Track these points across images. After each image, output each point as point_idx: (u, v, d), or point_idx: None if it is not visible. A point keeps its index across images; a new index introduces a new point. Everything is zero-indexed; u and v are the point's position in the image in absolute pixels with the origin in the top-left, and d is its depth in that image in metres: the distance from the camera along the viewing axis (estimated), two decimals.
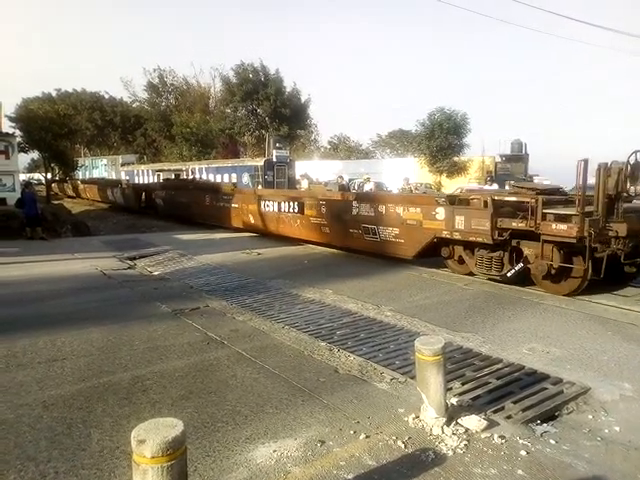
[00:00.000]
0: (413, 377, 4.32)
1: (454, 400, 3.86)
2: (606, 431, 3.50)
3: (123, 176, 47.96)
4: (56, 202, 25.11)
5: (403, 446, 3.18)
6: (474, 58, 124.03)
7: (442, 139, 34.22)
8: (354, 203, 10.35)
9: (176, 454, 1.92)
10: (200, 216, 17.43)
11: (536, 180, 32.52)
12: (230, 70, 46.54)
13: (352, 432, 3.35)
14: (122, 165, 51.63)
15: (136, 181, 42.11)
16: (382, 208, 9.64)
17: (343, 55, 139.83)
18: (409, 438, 3.27)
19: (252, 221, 14.07)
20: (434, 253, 9.10)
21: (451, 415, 3.54)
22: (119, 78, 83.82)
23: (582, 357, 4.87)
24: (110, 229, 20.23)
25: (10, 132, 16.64)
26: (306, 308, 6.69)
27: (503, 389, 4.15)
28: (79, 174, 54.61)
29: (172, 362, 4.58)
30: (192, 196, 17.93)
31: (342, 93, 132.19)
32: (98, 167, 56.53)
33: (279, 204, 12.63)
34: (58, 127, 20.09)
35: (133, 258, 10.81)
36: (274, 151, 37.77)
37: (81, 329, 5.52)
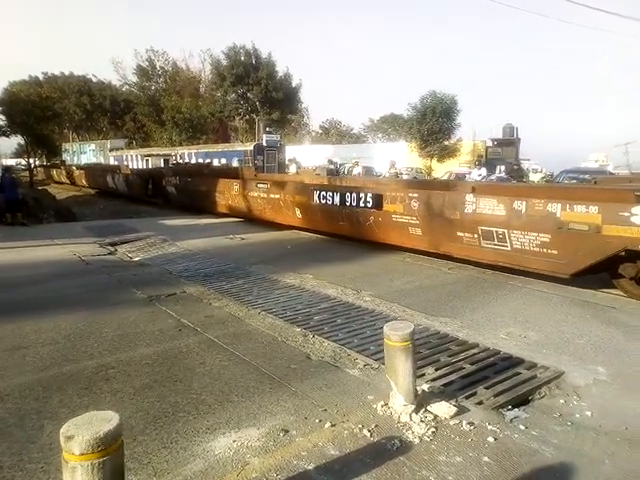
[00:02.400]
0: None
1: (426, 386, 3.78)
2: (577, 416, 3.44)
3: (112, 161, 47.51)
4: (41, 188, 24.72)
5: (369, 435, 3.09)
6: (470, 46, 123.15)
7: (433, 123, 34.00)
8: (468, 197, 7.63)
9: (109, 450, 1.81)
10: (225, 207, 14.73)
11: (526, 165, 32.54)
12: (221, 53, 45.91)
13: (318, 421, 3.26)
14: (111, 150, 51.08)
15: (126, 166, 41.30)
16: (520, 205, 6.95)
17: (335, 40, 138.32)
18: (376, 426, 3.19)
19: (300, 216, 11.43)
20: (600, 269, 6.68)
21: (421, 402, 3.46)
22: (110, 59, 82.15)
23: (558, 341, 4.81)
24: (96, 215, 20.00)
25: None
26: (285, 293, 6.58)
27: (477, 374, 4.07)
28: (67, 159, 54.25)
29: (140, 350, 4.46)
30: (214, 184, 15.16)
31: (334, 78, 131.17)
32: (86, 152, 55.90)
33: (343, 196, 9.94)
34: (40, 110, 19.66)
35: (114, 244, 10.62)
36: (264, 135, 37.43)
37: (51, 316, 5.38)
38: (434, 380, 3.95)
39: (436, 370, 4.13)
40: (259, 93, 43.03)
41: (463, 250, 7.93)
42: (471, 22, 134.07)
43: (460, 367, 4.21)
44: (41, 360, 4.20)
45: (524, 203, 6.95)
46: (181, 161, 36.10)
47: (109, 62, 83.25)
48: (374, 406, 3.47)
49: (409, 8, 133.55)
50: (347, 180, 13.92)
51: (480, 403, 3.59)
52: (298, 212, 11.44)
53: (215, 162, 34.37)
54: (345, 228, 10.19)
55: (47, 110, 20.56)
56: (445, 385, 3.86)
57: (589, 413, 3.46)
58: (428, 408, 3.42)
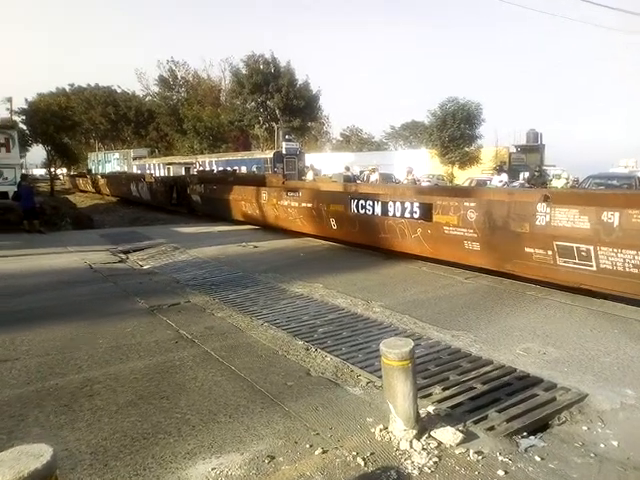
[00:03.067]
0: None
1: (431, 408, 3.46)
2: (602, 446, 3.07)
3: (135, 170, 48.19)
4: (63, 196, 25.08)
5: (363, 464, 2.79)
6: (491, 49, 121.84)
7: (454, 129, 33.47)
8: (540, 207, 6.48)
9: None
10: (253, 217, 13.77)
11: (552, 171, 31.70)
12: (240, 61, 46.23)
13: (308, 446, 2.97)
14: (134, 159, 51.84)
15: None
16: (612, 216, 5.78)
17: (356, 48, 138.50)
18: (371, 454, 2.88)
19: (335, 227, 10.39)
20: None
21: (424, 426, 3.14)
22: (133, 70, 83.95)
23: (582, 359, 4.42)
24: (116, 222, 20.13)
25: (10, 124, 16.50)
26: (291, 304, 6.32)
27: (489, 395, 3.72)
28: (92, 168, 55.33)
29: (132, 363, 4.24)
30: (241, 192, 14.16)
31: (355, 86, 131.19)
32: (110, 161, 56.87)
33: (385, 205, 8.83)
34: (60, 120, 19.91)
35: (126, 252, 10.53)
36: (283, 143, 37.47)
37: (47, 326, 5.22)
38: (441, 401, 3.61)
39: (444, 390, 3.80)
40: (279, 101, 43.12)
41: (532, 269, 6.81)
42: (500, 27, 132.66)
43: (471, 387, 3.86)
44: (27, 373, 4.01)
45: (617, 214, 5.76)
46: (202, 169, 36.27)
47: (133, 73, 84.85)
48: (372, 430, 3.17)
49: (432, 15, 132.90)
50: (391, 188, 13.31)
51: (491, 429, 3.25)
52: (333, 222, 10.39)
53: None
54: (387, 241, 9.03)
55: (67, 119, 20.82)
56: (453, 407, 3.53)
57: (615, 443, 3.09)
58: (432, 433, 3.10)
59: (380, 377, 3.95)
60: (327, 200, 10.65)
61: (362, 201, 9.46)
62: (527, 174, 14.81)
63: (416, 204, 8.24)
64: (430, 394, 3.74)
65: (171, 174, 38.17)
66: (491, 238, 7.15)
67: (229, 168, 30.34)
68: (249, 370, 4.14)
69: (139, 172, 43.75)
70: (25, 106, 20.35)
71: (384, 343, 3.08)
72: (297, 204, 11.47)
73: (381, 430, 3.14)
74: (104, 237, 12.63)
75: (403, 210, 8.47)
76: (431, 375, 4.09)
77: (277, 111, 44.37)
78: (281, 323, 5.51)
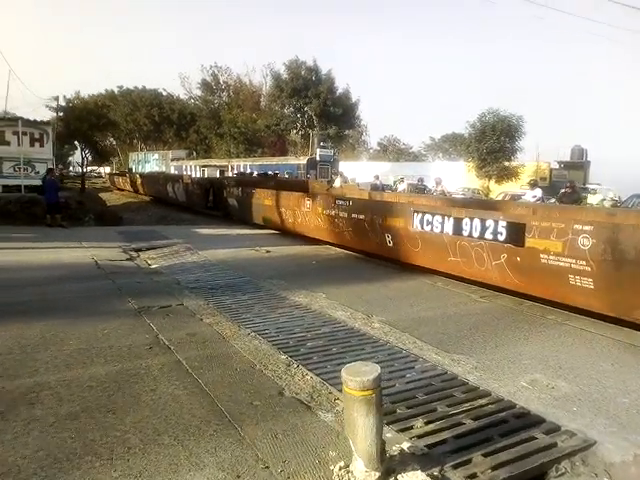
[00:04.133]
0: None
1: (406, 445, 3.00)
2: None
3: (172, 170, 49.00)
4: (99, 194, 25.57)
5: None
6: (543, 64, 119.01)
7: (493, 141, 32.46)
8: None
9: None
10: (294, 225, 12.49)
11: (597, 189, 30.25)
12: (282, 65, 46.43)
13: None
14: (172, 160, 52.75)
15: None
16: None
17: (402, 58, 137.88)
18: None
19: (390, 245, 8.86)
20: None
21: (391, 468, 2.70)
22: (177, 74, 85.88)
23: (596, 397, 3.85)
24: (143, 220, 20.32)
25: (45, 120, 16.86)
26: (287, 313, 5.93)
27: (478, 434, 3.23)
28: (133, 167, 56.69)
29: (94, 368, 3.95)
30: (281, 198, 13.02)
31: (396, 94, 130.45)
32: (150, 161, 58.09)
33: (459, 222, 7.29)
34: (95, 118, 20.23)
35: (139, 250, 10.41)
36: (318, 150, 37.35)
37: (23, 323, 5.02)
38: (421, 437, 3.15)
39: (427, 423, 3.32)
40: (317, 107, 43.02)
41: None
42: (546, 40, 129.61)
43: (459, 422, 3.37)
44: None
45: None
46: (241, 171, 36.34)
47: (177, 77, 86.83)
48: (331, 467, 2.74)
49: (474, 28, 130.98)
50: (468, 202, 11.72)
51: (472, 477, 2.77)
52: (389, 239, 8.86)
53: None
54: (457, 266, 7.51)
55: (102, 118, 21.16)
56: (433, 445, 3.05)
57: None
58: (399, 478, 2.65)
59: None
60: (384, 212, 9.07)
61: (429, 216, 7.87)
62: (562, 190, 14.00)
63: (502, 223, 6.63)
64: (410, 427, 3.27)
65: (206, 176, 38.61)
66: (613, 274, 5.47)
67: (270, 172, 29.68)
68: (216, 385, 3.78)
69: (176, 173, 44.46)
70: (63, 103, 21.07)
71: (346, 368, 2.66)
72: (346, 214, 10.08)
73: (341, 469, 2.72)
74: (122, 234, 12.59)
75: (483, 230, 6.87)
76: (416, 405, 3.62)
77: (314, 118, 44.29)
78: (269, 334, 5.13)
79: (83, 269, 7.94)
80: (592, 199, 15.73)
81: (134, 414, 3.22)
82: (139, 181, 34.75)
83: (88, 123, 20.03)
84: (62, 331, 4.81)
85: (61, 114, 20.49)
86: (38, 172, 16.11)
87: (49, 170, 13.91)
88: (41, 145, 16.41)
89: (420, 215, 8.04)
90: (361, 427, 2.55)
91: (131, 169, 53.96)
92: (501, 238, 6.63)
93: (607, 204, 17.50)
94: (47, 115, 21.79)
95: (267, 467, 2.72)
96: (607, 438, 3.23)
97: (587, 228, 5.69)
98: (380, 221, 9.04)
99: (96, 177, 58.85)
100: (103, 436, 2.92)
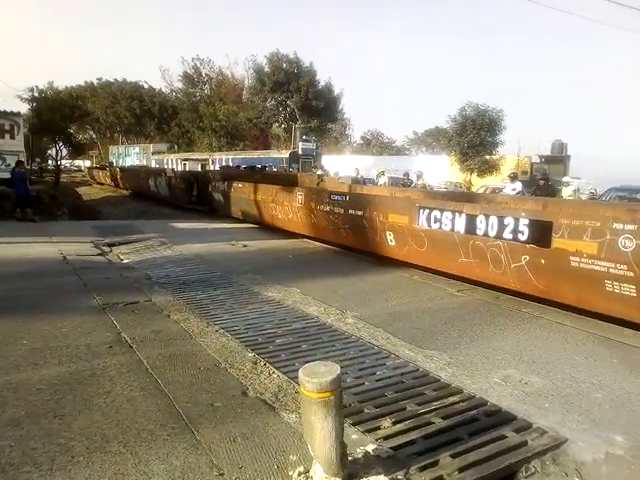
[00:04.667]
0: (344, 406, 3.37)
1: (371, 447, 2.87)
2: None
3: (153, 164, 48.27)
4: (77, 188, 24.99)
5: None
6: (516, 54, 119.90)
7: (474, 135, 32.54)
8: None
9: None
10: (285, 222, 11.72)
11: (576, 183, 30.51)
12: (264, 58, 45.93)
13: None
14: (153, 154, 51.99)
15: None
16: None
17: (385, 52, 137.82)
18: None
19: (392, 243, 8.16)
20: None
21: (354, 473, 2.57)
22: (158, 67, 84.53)
23: (569, 392, 3.76)
24: (121, 215, 19.90)
25: (16, 111, 16.34)
26: (258, 309, 5.76)
27: (447, 433, 3.11)
28: (113, 161, 55.76)
29: (45, 370, 3.73)
30: (270, 192, 12.18)
31: (378, 89, 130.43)
32: (130, 155, 57.21)
33: (472, 220, 6.60)
34: (69, 109, 19.67)
35: (112, 244, 10.11)
36: (300, 143, 37.08)
37: None
38: (387, 438, 3.01)
39: (395, 424, 3.19)
40: (298, 101, 42.68)
41: None
42: (527, 33, 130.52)
43: (428, 421, 3.25)
44: None
45: None
46: (221, 165, 35.83)
47: (158, 70, 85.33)
48: (290, 473, 2.60)
49: (456, 21, 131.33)
50: (482, 196, 10.76)
51: (439, 479, 2.64)
52: (390, 238, 8.15)
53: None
54: (469, 268, 6.89)
55: (76, 109, 20.59)
56: (399, 447, 2.92)
57: None
58: None
59: None
60: (385, 208, 8.31)
61: (437, 212, 7.19)
62: (541, 182, 13.92)
63: (524, 221, 5.96)
64: (377, 428, 3.14)
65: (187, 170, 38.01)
66: None
67: (258, 166, 28.59)
68: (177, 385, 3.60)
69: (157, 166, 43.78)
70: (36, 94, 20.44)
71: (304, 369, 2.50)
72: (342, 211, 9.36)
73: (300, 474, 2.57)
74: (96, 229, 12.26)
75: (501, 228, 6.22)
76: (385, 404, 3.48)
77: (296, 111, 43.96)
78: (238, 330, 4.96)
79: (49, 265, 7.65)
80: (565, 191, 15.79)
81: (83, 419, 3.02)
82: (119, 175, 34.28)
83: (61, 114, 19.47)
84: (18, 330, 4.57)
85: (34, 104, 19.93)
86: (9, 165, 15.63)
87: (18, 162, 13.45)
88: (12, 137, 15.93)
89: (427, 211, 7.35)
90: (319, 431, 2.40)
91: (112, 163, 53.07)
92: (522, 238, 5.97)
93: (583, 197, 17.60)
94: (20, 107, 21.28)
95: (222, 474, 2.56)
96: (579, 436, 3.13)
97: (630, 227, 5.01)
98: (381, 218, 8.33)
99: (76, 171, 57.78)
100: (46, 444, 2.73)
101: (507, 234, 6.17)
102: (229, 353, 4.33)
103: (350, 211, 9.14)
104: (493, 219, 6.37)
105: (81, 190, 30.77)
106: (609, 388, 3.86)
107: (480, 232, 6.52)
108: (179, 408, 3.24)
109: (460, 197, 11.14)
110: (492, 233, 6.37)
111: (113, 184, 35.05)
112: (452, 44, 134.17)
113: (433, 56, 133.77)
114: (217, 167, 36.30)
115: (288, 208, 11.41)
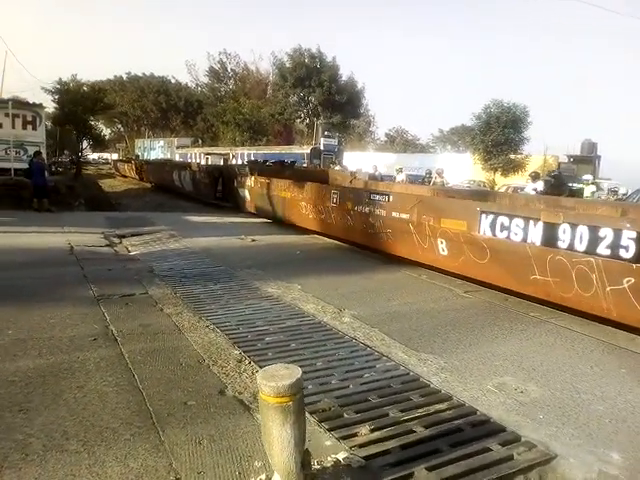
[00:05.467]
0: (322, 410, 3.22)
1: (342, 455, 2.70)
2: None
3: (177, 158, 48.71)
4: (100, 180, 25.35)
5: None
6: (560, 56, 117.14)
7: (498, 133, 31.82)
8: None
9: None
10: (317, 224, 10.71)
11: (606, 184, 29.51)
12: (285, 54, 45.85)
13: None
14: (177, 148, 52.45)
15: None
16: None
17: (412, 50, 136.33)
18: None
19: (444, 253, 7.13)
20: None
21: None
22: (184, 62, 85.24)
23: (567, 404, 3.51)
24: (139, 207, 20.02)
25: (37, 102, 16.57)
26: (255, 305, 5.63)
27: (427, 444, 2.92)
28: (139, 155, 56.52)
29: (23, 361, 3.66)
30: (301, 190, 11.21)
31: (405, 86, 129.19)
32: (155, 148, 57.88)
33: (552, 229, 5.53)
34: (91, 102, 19.89)
35: (122, 236, 10.13)
36: (322, 139, 36.89)
37: None
38: (363, 446, 2.84)
39: (373, 431, 3.01)
40: (320, 96, 42.43)
41: None
42: (559, 33, 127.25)
43: (409, 429, 3.06)
44: None
45: None
46: (254, 159, 35.68)
47: (184, 65, 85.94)
48: None
49: (485, 17, 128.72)
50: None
51: None
52: (442, 246, 7.13)
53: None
54: (547, 289, 5.74)
55: (98, 102, 20.81)
56: (373, 456, 2.75)
57: None
58: None
59: (308, 404, 3.23)
60: (438, 212, 7.22)
61: (504, 218, 6.12)
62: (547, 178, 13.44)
63: (628, 233, 4.81)
64: (354, 434, 2.97)
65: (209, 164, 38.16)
66: None
67: (287, 161, 28.03)
68: (153, 382, 3.49)
69: (181, 160, 44.15)
70: (58, 86, 20.71)
71: (264, 371, 2.35)
72: (384, 213, 8.33)
73: None
74: (109, 220, 12.34)
75: (594, 241, 5.11)
76: (367, 409, 3.30)
77: (319, 107, 43.75)
78: (229, 326, 4.84)
79: (54, 254, 7.67)
80: (587, 190, 15.26)
81: (47, 414, 2.93)
82: (144, 168, 34.36)
83: (82, 106, 19.70)
84: (6, 320, 4.53)
85: (57, 97, 20.24)
86: (30, 155, 15.85)
87: (36, 153, 13.62)
88: (33, 128, 16.17)
89: (491, 217, 6.29)
90: (277, 438, 2.24)
91: (137, 156, 53.75)
92: (626, 255, 4.84)
93: (611, 197, 17.03)
94: (46, 99, 21.63)
95: (178, 479, 2.43)
96: (571, 451, 2.90)
97: None
98: (431, 222, 7.28)
99: (103, 164, 58.82)
100: (2, 440, 2.64)
101: (603, 249, 5.06)
102: (215, 350, 4.21)
103: (393, 214, 8.13)
104: (583, 229, 5.25)
105: (104, 182, 31.26)
106: (612, 401, 3.60)
107: (563, 245, 5.46)
108: (150, 406, 3.13)
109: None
110: (581, 247, 5.27)
111: (138, 177, 35.43)
112: (474, 44, 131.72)
113: (463, 55, 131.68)
114: (238, 162, 36.33)
115: (322, 207, 10.38)
